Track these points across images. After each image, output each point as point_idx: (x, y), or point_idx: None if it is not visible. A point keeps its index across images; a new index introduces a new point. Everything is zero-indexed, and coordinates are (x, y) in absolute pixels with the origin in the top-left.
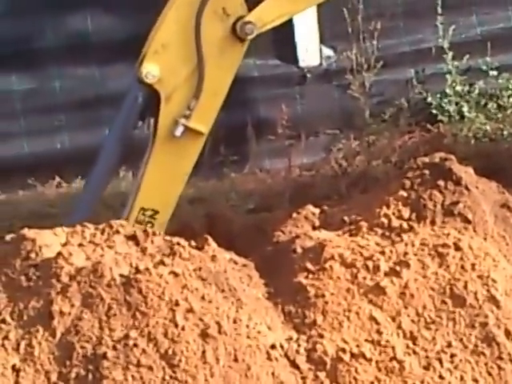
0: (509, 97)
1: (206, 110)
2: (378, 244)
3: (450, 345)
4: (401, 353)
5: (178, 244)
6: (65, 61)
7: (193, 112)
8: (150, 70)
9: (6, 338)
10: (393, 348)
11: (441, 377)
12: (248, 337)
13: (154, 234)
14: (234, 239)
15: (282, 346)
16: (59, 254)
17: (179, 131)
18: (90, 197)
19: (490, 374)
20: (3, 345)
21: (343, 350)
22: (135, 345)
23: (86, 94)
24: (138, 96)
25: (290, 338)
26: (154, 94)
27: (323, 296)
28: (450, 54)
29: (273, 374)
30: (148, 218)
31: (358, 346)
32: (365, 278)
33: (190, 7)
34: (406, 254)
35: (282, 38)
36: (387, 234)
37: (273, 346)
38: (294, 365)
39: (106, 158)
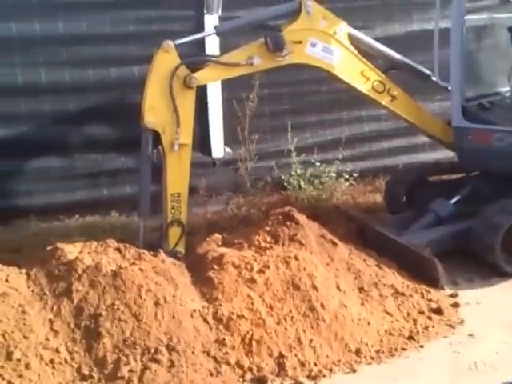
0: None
1: (185, 131)
2: (253, 256)
3: None
4: (264, 313)
5: (143, 253)
6: None
7: (179, 135)
8: (149, 121)
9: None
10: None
11: None
12: (181, 305)
13: (130, 247)
14: None
15: (199, 310)
16: (76, 257)
17: (176, 147)
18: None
19: None
20: None
21: (232, 313)
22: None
23: None
24: (148, 138)
25: (203, 306)
26: (155, 134)
27: (222, 283)
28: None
29: (194, 325)
30: (176, 198)
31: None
32: (245, 274)
33: (161, 79)
34: (267, 261)
35: (201, 137)
36: (258, 250)
37: (194, 310)
38: (205, 320)
39: (145, 179)
